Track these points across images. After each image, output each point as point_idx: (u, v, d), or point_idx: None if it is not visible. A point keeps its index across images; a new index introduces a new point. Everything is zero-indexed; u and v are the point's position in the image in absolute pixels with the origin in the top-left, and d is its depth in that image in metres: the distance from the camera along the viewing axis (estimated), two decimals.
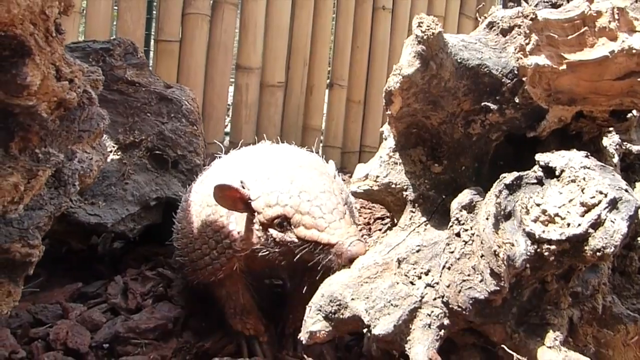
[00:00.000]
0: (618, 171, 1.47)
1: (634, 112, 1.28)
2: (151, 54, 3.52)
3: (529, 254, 1.09)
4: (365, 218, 2.39)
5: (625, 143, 1.61)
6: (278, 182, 1.32)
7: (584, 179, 1.09)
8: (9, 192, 1.18)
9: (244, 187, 1.33)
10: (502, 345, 1.14)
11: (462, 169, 1.29)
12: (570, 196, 1.09)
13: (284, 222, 1.29)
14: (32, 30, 1.07)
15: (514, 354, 1.12)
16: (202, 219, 1.46)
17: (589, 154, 1.16)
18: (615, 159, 1.51)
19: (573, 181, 1.10)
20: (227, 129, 3.87)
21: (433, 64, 1.16)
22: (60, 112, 1.31)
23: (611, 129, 1.42)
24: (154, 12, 3.41)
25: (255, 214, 1.32)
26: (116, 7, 3.32)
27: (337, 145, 4.07)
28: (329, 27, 3.90)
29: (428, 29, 1.13)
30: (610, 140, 1.54)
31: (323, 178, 1.34)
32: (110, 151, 2.03)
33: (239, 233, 1.37)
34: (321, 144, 4.07)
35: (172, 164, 2.04)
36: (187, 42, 3.43)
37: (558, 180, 1.12)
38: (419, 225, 1.27)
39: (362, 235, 1.73)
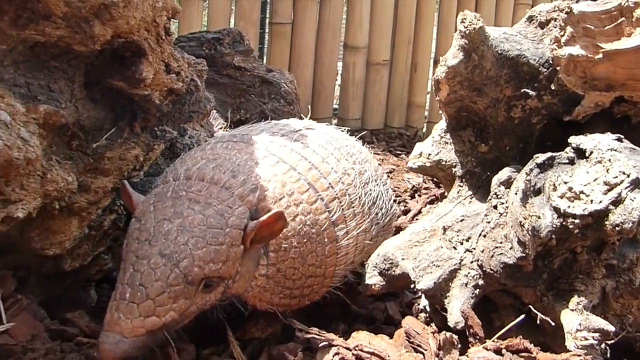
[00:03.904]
0: None
1: None
2: (266, 36, 3.83)
3: (554, 226, 1.22)
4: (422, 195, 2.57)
5: None
6: None
7: (609, 160, 1.21)
8: (131, 161, 1.50)
9: None
10: (530, 306, 1.29)
11: (507, 148, 1.43)
12: (595, 175, 1.21)
13: None
14: (146, 35, 1.36)
15: (539, 314, 1.27)
16: None
17: (622, 137, 1.26)
18: None
19: (599, 162, 1.22)
20: (336, 106, 4.10)
21: (475, 56, 1.31)
22: (172, 98, 1.61)
23: None
24: None
25: None
26: None
27: None
28: (433, 4, 3.98)
29: (470, 25, 1.28)
30: None
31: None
32: (221, 128, 2.35)
33: None
34: (425, 120, 4.20)
35: None
36: (298, 24, 3.69)
37: (586, 161, 1.24)
38: (465, 198, 1.44)
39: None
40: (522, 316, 1.29)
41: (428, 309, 1.53)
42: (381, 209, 1.48)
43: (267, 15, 3.73)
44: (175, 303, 1.05)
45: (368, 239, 1.44)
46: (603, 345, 1.27)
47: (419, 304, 1.61)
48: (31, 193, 1.24)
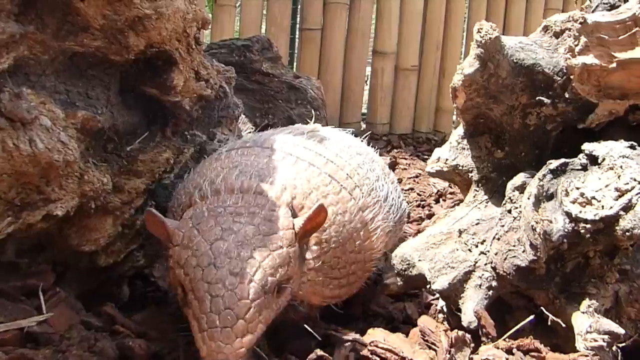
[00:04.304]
0: None
1: None
2: (296, 41, 3.91)
3: (566, 230, 1.26)
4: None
5: None
6: None
7: (621, 167, 1.24)
8: (162, 164, 1.58)
9: None
10: (542, 308, 1.33)
11: (522, 154, 1.47)
12: (607, 182, 1.24)
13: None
14: (177, 45, 1.44)
15: (550, 315, 1.31)
16: None
17: (635, 144, 1.29)
18: None
19: (611, 168, 1.25)
20: (364, 110, 4.16)
21: (491, 65, 1.35)
22: (202, 104, 1.69)
23: None
24: (299, 3, 3.79)
25: None
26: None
27: None
28: (462, 11, 4.01)
29: (486, 34, 1.33)
30: None
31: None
32: (249, 132, 2.44)
33: None
34: (453, 125, 4.22)
35: None
36: (328, 30, 3.76)
37: (599, 167, 1.27)
38: (480, 202, 1.48)
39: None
40: (532, 317, 1.33)
41: (445, 309, 1.58)
42: (392, 206, 1.51)
43: (298, 22, 3.82)
44: (261, 315, 1.08)
45: (389, 228, 1.47)
46: (614, 348, 1.30)
47: (437, 305, 1.66)
48: (69, 193, 1.33)
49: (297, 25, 3.83)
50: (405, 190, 3.09)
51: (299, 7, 3.77)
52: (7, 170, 1.20)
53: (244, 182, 1.24)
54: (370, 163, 1.53)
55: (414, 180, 3.24)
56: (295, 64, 3.92)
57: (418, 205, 2.82)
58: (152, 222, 1.22)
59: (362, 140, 1.69)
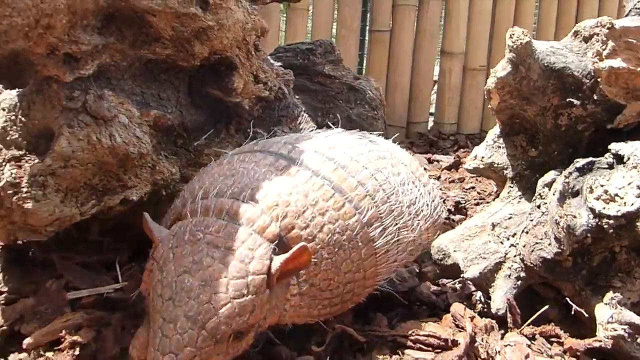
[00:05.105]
0: None
1: None
2: (366, 43, 4.04)
3: (589, 225, 1.33)
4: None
5: None
6: None
7: None
8: None
9: None
10: (567, 298, 1.40)
11: (555, 153, 1.53)
12: (630, 180, 1.30)
13: None
14: (237, 52, 1.62)
15: (575, 305, 1.38)
16: None
17: None
18: None
19: (635, 167, 1.31)
20: (432, 110, 4.23)
21: (522, 68, 1.43)
22: (262, 104, 1.86)
23: None
24: (369, 5, 3.91)
25: None
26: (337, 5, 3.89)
27: None
28: (532, 10, 3.99)
29: (517, 40, 1.41)
30: None
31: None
32: (311, 130, 2.59)
33: None
34: None
35: None
36: (396, 31, 3.86)
37: (624, 166, 1.33)
38: (514, 198, 1.56)
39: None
40: (546, 306, 1.41)
41: (483, 299, 1.67)
42: (422, 211, 1.44)
43: (367, 24, 3.94)
44: None
45: (411, 237, 1.40)
46: None
47: (476, 296, 1.75)
48: (143, 181, 1.54)
49: (367, 27, 3.95)
50: (467, 189, 3.16)
51: (369, 9, 3.89)
52: (91, 160, 1.42)
53: (234, 203, 1.17)
54: (396, 167, 1.43)
55: (476, 180, 3.29)
56: (364, 65, 4.05)
57: (477, 204, 2.89)
58: (145, 226, 1.19)
59: (395, 143, 1.62)
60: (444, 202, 2.85)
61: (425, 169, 3.53)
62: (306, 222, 1.18)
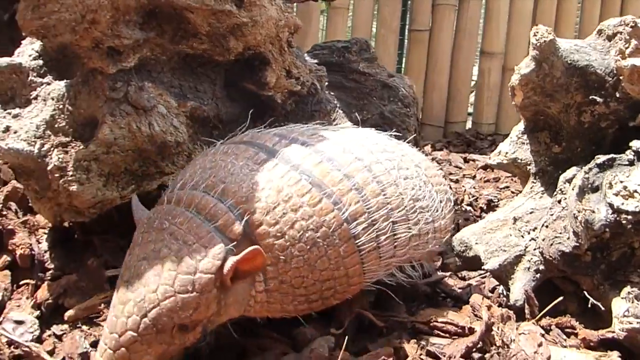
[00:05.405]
0: None
1: None
2: (405, 42, 4.07)
3: (608, 220, 1.35)
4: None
5: None
6: None
7: None
8: None
9: None
10: (585, 292, 1.43)
11: (578, 150, 1.55)
12: None
13: None
14: (270, 48, 1.70)
15: (592, 299, 1.40)
16: None
17: None
18: None
19: None
20: (470, 110, 4.23)
21: (545, 65, 1.46)
22: (295, 99, 1.93)
23: None
24: (408, 4, 3.94)
25: None
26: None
27: None
28: (574, 10, 3.95)
29: (541, 37, 1.44)
30: None
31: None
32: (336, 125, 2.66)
33: None
34: None
35: None
36: (436, 31, 3.88)
37: None
38: (536, 194, 1.59)
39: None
40: (560, 298, 1.43)
41: (506, 292, 1.70)
42: (429, 209, 1.36)
43: (407, 23, 3.98)
44: (150, 348, 1.08)
45: (414, 231, 1.32)
46: None
47: (499, 289, 1.78)
48: (179, 168, 1.63)
49: (406, 27, 3.98)
50: (501, 188, 3.17)
51: (408, 8, 3.93)
52: (132, 147, 1.52)
53: (204, 197, 1.16)
54: (402, 161, 1.36)
55: (512, 179, 3.29)
56: (403, 64, 4.08)
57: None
58: (133, 208, 1.24)
59: (407, 143, 1.53)
60: (476, 200, 2.88)
61: (459, 167, 3.55)
62: (275, 218, 1.15)
